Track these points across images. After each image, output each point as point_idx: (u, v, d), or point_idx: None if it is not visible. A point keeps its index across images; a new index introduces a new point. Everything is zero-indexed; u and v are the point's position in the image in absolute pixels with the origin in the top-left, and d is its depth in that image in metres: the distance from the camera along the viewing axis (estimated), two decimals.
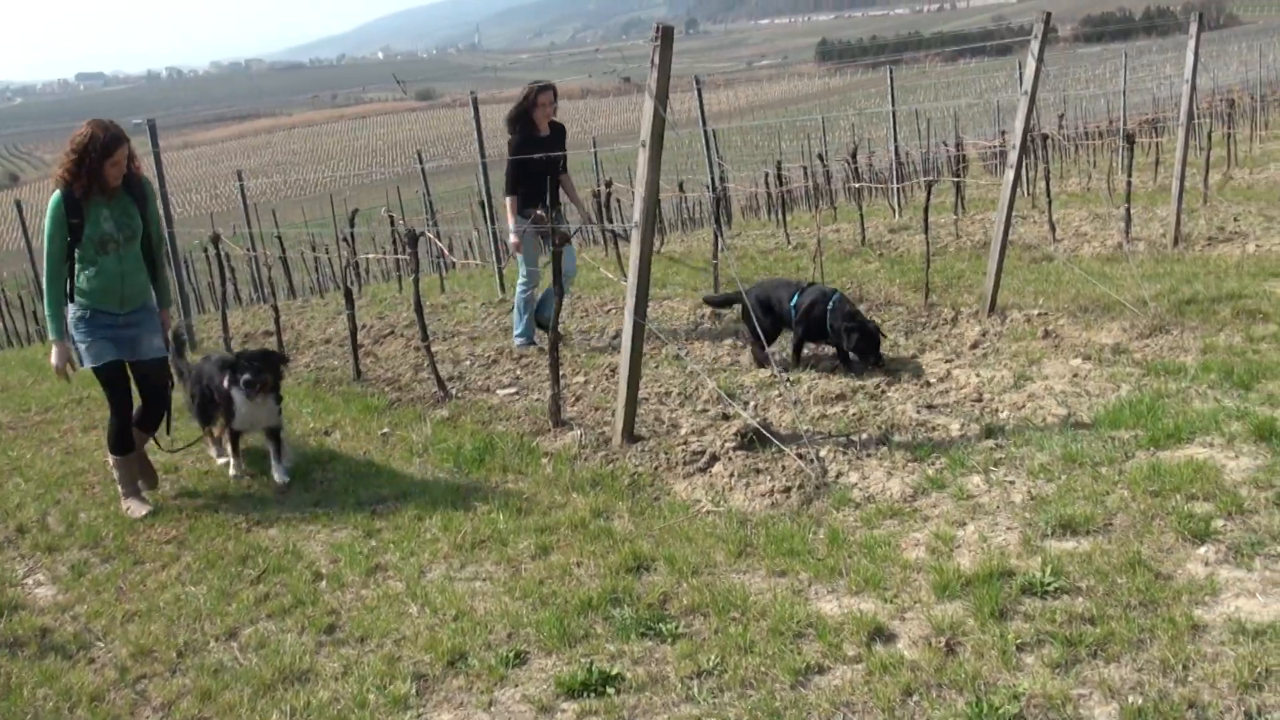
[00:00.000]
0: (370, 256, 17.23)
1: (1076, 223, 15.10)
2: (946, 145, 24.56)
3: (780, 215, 17.52)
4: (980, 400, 7.24)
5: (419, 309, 9.07)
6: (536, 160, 10.06)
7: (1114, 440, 6.27)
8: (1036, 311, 9.32)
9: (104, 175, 6.67)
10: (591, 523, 5.99)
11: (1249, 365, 7.36)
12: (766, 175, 20.76)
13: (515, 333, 10.80)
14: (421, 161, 23.97)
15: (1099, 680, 3.99)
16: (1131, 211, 12.80)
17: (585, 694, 4.28)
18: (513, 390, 8.96)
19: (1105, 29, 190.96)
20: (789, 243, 16.30)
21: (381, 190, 34.44)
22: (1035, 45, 8.78)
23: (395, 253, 12.74)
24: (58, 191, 6.70)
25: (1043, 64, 8.99)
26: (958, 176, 17.85)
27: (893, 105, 19.81)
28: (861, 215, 16.11)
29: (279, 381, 7.53)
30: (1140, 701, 3.83)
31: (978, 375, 7.76)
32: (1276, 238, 12.28)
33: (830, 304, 8.40)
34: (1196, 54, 11.79)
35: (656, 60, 6.40)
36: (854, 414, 7.18)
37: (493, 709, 4.31)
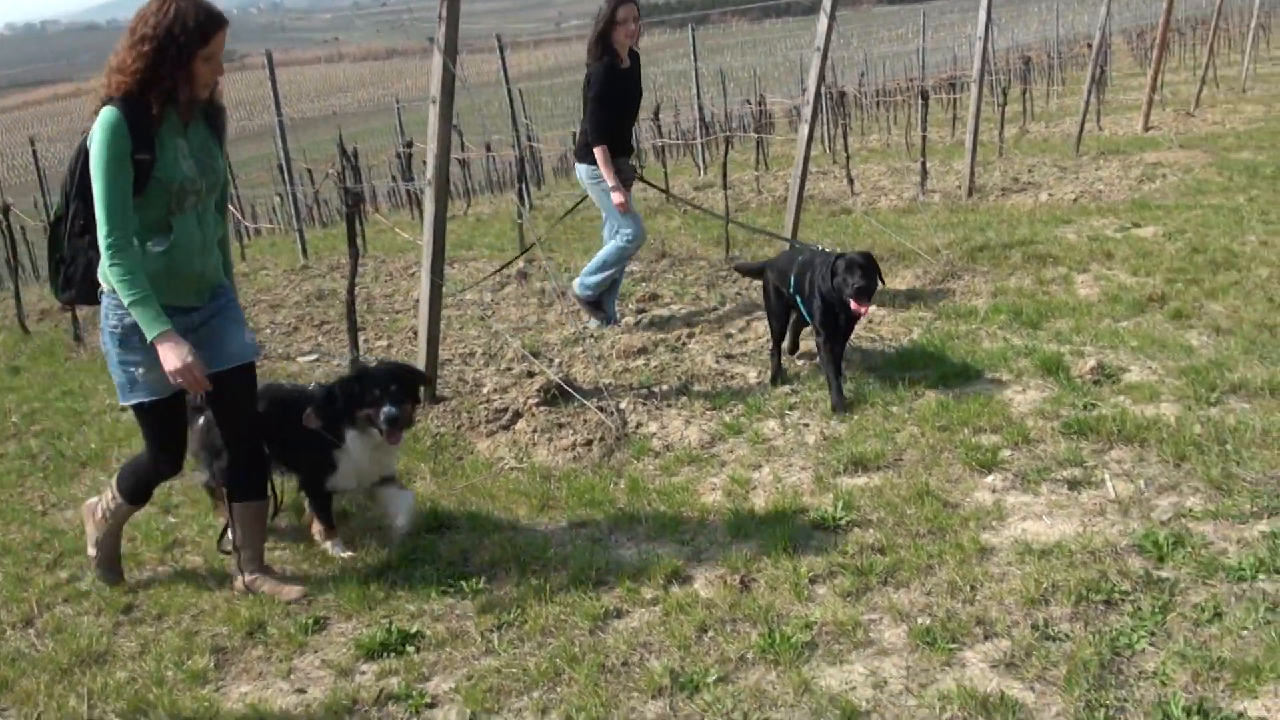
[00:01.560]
0: None
1: (876, 177, 15.52)
2: (750, 103, 24.87)
3: None
4: None
5: None
6: (623, 97, 8.23)
7: (905, 380, 6.49)
8: None
9: (195, 79, 4.41)
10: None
11: (1038, 306, 7.71)
12: (574, 135, 20.71)
13: (585, 271, 8.55)
14: None
15: (889, 605, 4.15)
16: (929, 165, 13.20)
17: (385, 654, 4.25)
18: (314, 357, 8.79)
19: None
20: None
21: None
22: (827, 3, 8.94)
23: None
24: (111, 108, 4.29)
25: (835, 20, 9.15)
26: (759, 133, 18.11)
27: (695, 63, 19.95)
28: (665, 173, 16.24)
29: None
30: (929, 622, 4.00)
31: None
32: (1069, 187, 12.83)
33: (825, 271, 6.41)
34: (989, 13, 12.18)
35: (444, 13, 6.31)
36: (655, 366, 7.26)
37: (291, 676, 4.24)
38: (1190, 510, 4.73)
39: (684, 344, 7.74)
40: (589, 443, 6.09)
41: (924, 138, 12.92)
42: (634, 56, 8.34)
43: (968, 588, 4.23)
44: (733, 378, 6.95)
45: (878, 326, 7.67)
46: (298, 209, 15.61)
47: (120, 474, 5.12)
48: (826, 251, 6.75)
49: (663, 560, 4.65)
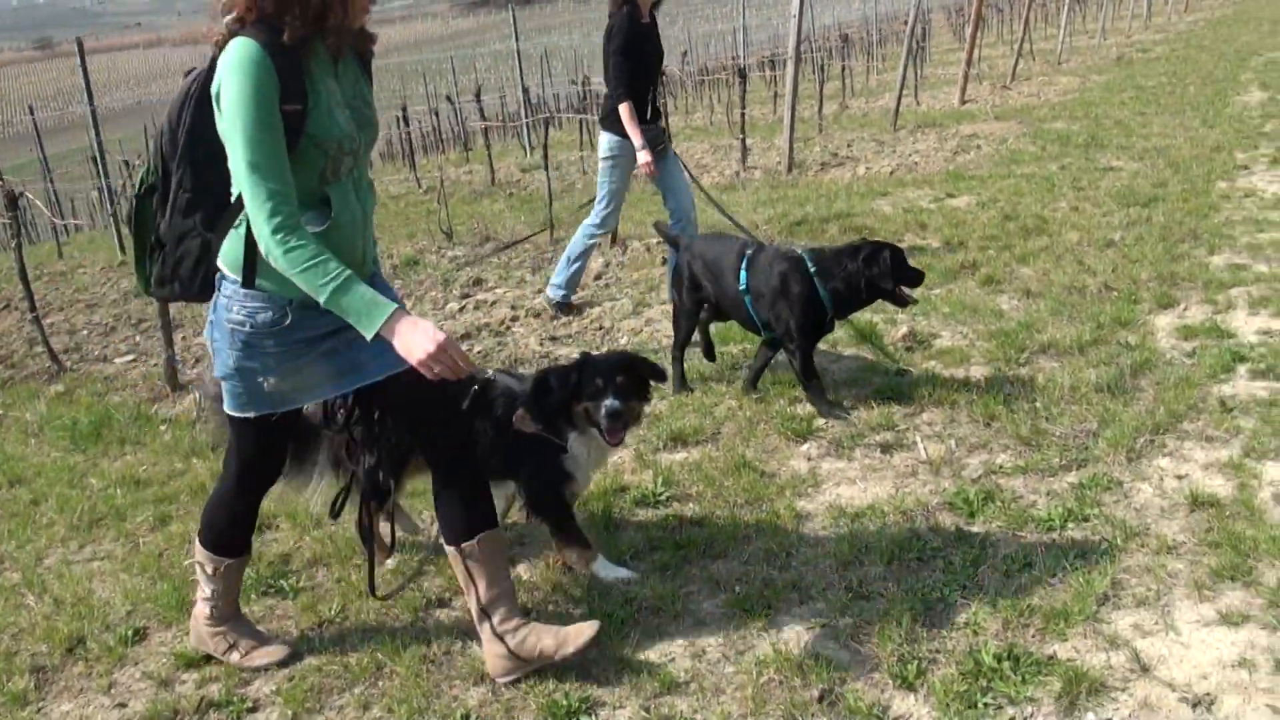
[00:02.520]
0: None
1: (699, 155, 15.66)
2: (576, 84, 24.85)
3: (410, 159, 17.29)
4: (602, 329, 7.43)
5: (24, 277, 8.48)
6: (642, 53, 7.52)
7: (724, 355, 6.58)
8: (656, 241, 9.60)
9: (352, 7, 3.35)
10: (212, 487, 5.74)
11: None
12: (397, 119, 20.43)
13: (553, 281, 8.03)
14: (34, 115, 22.29)
15: (707, 576, 4.24)
16: (752, 143, 13.38)
17: (206, 662, 4.14)
18: (131, 358, 8.53)
19: None
20: (420, 186, 16.17)
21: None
22: None
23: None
24: (248, 40, 3.16)
25: None
26: (583, 113, 18.09)
27: (516, 43, 19.86)
28: (490, 155, 16.12)
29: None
30: (746, 590, 4.09)
31: (600, 305, 7.95)
32: (886, 160, 13.14)
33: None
34: None
35: None
36: (479, 352, 7.22)
37: (113, 691, 4.10)
38: (1000, 467, 4.93)
39: (508, 328, 7.72)
40: None
41: (743, 115, 13.10)
42: (652, 17, 7.68)
43: (784, 554, 4.34)
44: (557, 360, 6.96)
45: None
46: (114, 203, 15.06)
47: (205, 526, 4.05)
48: (796, 246, 6.25)
49: None
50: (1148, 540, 4.21)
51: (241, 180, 3.17)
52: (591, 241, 7.93)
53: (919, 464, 5.04)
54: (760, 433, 5.50)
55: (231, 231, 3.41)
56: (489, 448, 4.19)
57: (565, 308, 8.03)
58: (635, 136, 7.41)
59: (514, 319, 7.87)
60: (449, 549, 3.77)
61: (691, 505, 4.83)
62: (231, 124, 3.13)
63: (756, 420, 5.63)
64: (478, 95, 18.34)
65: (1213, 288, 7.08)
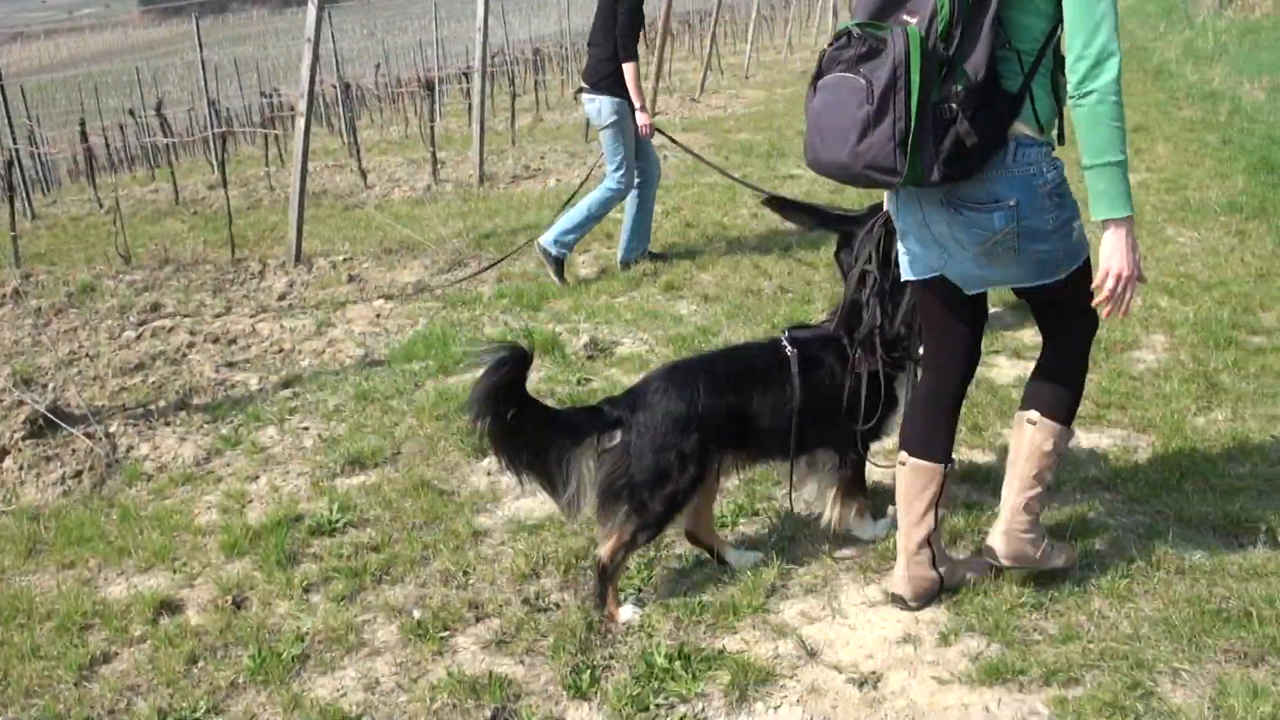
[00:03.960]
0: None
1: (392, 169, 15.54)
2: (266, 96, 24.17)
3: (90, 178, 16.41)
4: (282, 352, 7.26)
5: None
6: (643, 18, 7.92)
7: (406, 373, 6.56)
8: (342, 258, 9.51)
9: None
10: None
11: (540, 289, 7.99)
12: (79, 133, 19.30)
13: (555, 236, 8.18)
14: None
15: (382, 603, 4.19)
16: (448, 156, 13.35)
17: None
18: None
19: None
20: (101, 206, 15.38)
21: None
22: None
23: None
24: None
25: (324, 10, 9.11)
26: (270, 127, 17.62)
27: (201, 53, 19.14)
28: (173, 172, 15.48)
29: None
30: (421, 614, 4.07)
31: (282, 326, 7.77)
32: (577, 171, 13.33)
33: None
34: (486, 5, 12.42)
35: None
36: (153, 382, 6.91)
37: None
38: None
39: (184, 355, 7.43)
40: (79, 474, 5.70)
41: (433, 128, 13.10)
42: None
43: (460, 574, 4.33)
44: (234, 386, 6.74)
45: (385, 320, 7.71)
46: None
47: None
48: None
49: (153, 593, 4.41)
50: (816, 529, 4.39)
51: (1099, 15, 3.04)
52: (609, 208, 8.27)
53: None
54: (441, 450, 5.46)
55: (1037, 87, 3.28)
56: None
57: (560, 264, 8.22)
58: (637, 97, 7.76)
59: (190, 345, 7.58)
60: (1051, 423, 3.63)
61: (369, 530, 4.74)
62: None
63: (438, 438, 5.59)
64: (159, 108, 17.58)
65: None
